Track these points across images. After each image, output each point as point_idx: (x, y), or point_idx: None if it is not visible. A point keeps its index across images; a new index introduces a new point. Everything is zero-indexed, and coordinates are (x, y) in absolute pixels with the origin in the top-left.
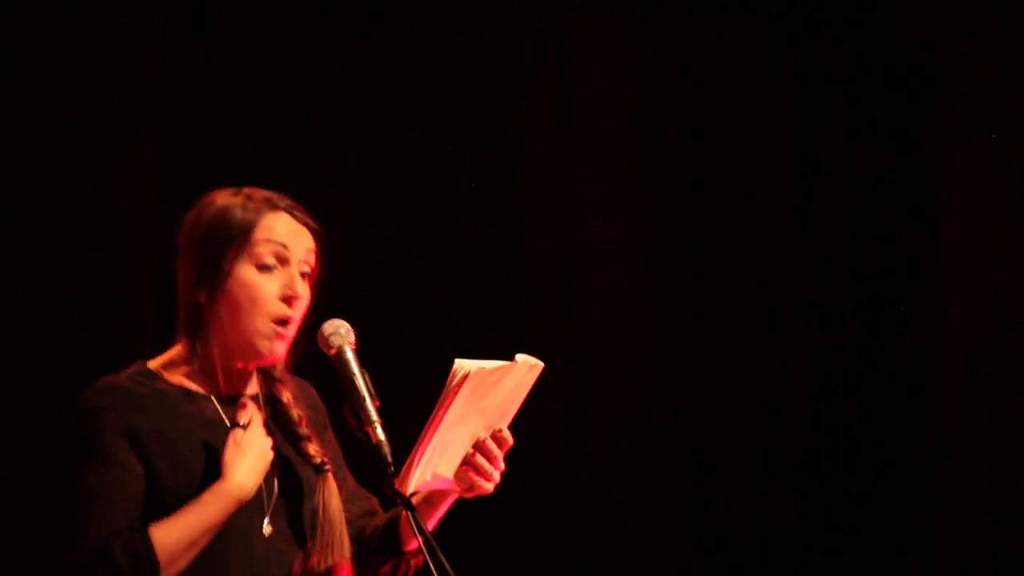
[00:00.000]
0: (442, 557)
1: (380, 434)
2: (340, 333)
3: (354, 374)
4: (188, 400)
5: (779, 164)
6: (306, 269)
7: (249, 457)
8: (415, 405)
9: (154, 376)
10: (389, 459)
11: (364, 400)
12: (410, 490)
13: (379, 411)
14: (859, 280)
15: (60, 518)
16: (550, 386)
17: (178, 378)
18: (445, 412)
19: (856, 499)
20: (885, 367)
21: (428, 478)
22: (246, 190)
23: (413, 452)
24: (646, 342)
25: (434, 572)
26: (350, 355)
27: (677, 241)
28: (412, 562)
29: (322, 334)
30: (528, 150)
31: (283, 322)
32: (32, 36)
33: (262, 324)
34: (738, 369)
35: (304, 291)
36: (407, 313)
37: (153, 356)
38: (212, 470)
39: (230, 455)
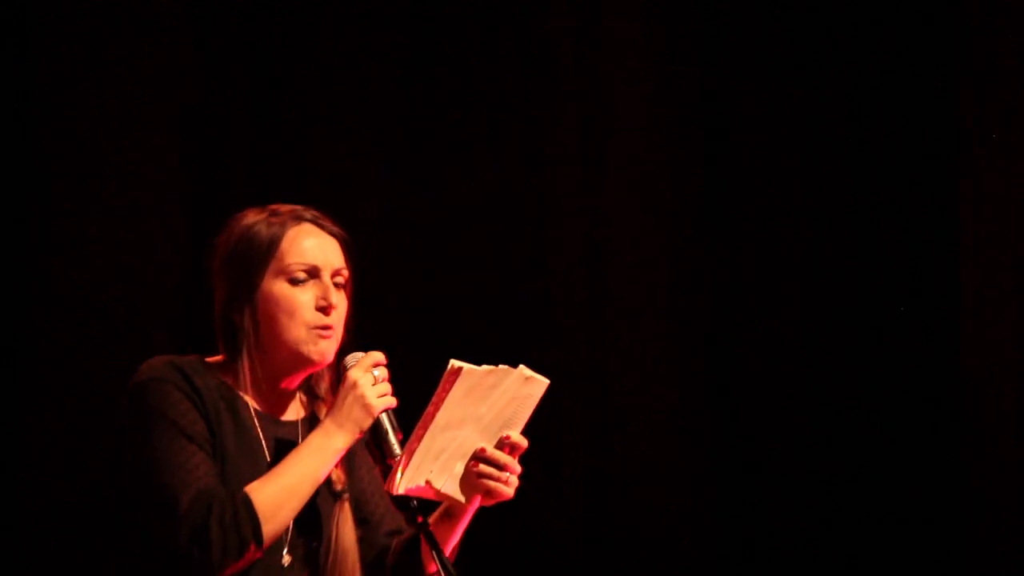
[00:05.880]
0: None
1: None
2: None
3: None
4: (233, 401)
5: (803, 179)
6: (340, 280)
7: (350, 408)
8: None
9: (210, 366)
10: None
11: (387, 434)
12: (399, 491)
13: (401, 444)
14: (880, 285)
15: (140, 497)
16: (572, 395)
17: (230, 379)
18: (437, 409)
19: (872, 504)
20: (906, 371)
21: (421, 483)
22: (272, 207)
23: (403, 452)
24: (669, 352)
25: None
26: None
27: (701, 250)
28: None
29: (344, 368)
30: (553, 162)
31: (323, 328)
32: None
33: (303, 332)
34: (760, 376)
35: (338, 300)
36: (429, 323)
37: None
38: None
39: (339, 400)
